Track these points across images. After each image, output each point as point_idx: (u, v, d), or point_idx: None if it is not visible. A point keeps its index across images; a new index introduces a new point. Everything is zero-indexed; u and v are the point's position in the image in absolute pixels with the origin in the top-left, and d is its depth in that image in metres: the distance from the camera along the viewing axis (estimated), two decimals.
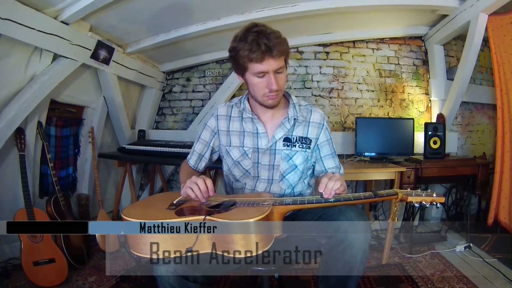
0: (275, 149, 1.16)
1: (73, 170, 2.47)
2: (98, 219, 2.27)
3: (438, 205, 0.91)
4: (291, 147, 1.17)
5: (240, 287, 1.82)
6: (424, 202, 0.90)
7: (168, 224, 0.82)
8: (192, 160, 1.29)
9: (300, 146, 1.17)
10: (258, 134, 1.17)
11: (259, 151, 1.17)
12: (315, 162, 1.25)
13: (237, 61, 1.05)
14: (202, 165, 1.29)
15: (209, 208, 0.94)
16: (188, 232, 0.82)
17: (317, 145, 1.22)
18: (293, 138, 1.17)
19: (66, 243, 1.93)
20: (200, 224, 0.82)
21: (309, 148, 1.19)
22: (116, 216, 2.56)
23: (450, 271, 1.94)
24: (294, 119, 1.17)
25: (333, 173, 1.18)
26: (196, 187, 0.98)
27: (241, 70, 1.07)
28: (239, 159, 1.19)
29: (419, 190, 0.94)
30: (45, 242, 1.79)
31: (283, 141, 1.17)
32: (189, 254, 0.81)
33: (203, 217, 0.83)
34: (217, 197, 1.04)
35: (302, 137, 1.18)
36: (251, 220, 0.80)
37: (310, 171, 1.26)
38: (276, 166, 1.16)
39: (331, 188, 0.93)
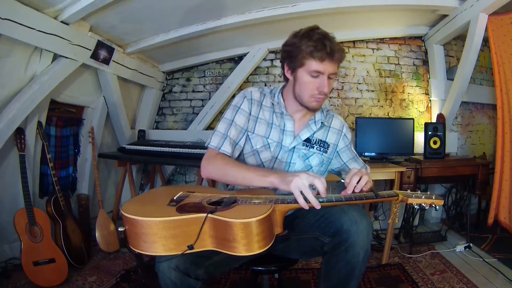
0: (294, 147, 1.16)
1: (73, 170, 2.47)
2: (98, 219, 2.27)
3: (438, 207, 0.91)
4: (310, 148, 1.17)
5: (240, 287, 1.81)
6: (423, 204, 0.91)
7: (169, 221, 0.82)
8: (226, 147, 1.10)
9: (317, 148, 1.18)
10: (285, 131, 1.16)
11: (282, 147, 1.16)
12: (340, 170, 1.25)
13: (294, 55, 1.05)
14: (236, 154, 1.15)
15: (210, 204, 0.94)
16: (189, 229, 0.82)
17: (337, 151, 1.23)
18: (313, 139, 1.18)
19: (66, 243, 1.93)
20: (202, 221, 0.82)
21: (326, 152, 1.19)
22: (116, 216, 2.56)
23: (450, 271, 1.94)
24: (322, 122, 1.18)
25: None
26: (319, 181, 0.88)
27: (295, 64, 1.07)
28: (260, 149, 1.16)
29: (419, 192, 0.94)
30: (45, 242, 1.79)
31: (303, 140, 1.17)
32: (190, 251, 0.81)
33: (204, 214, 0.82)
34: (217, 193, 1.04)
35: (321, 140, 1.19)
36: (254, 219, 0.79)
37: (324, 176, 1.25)
38: (292, 163, 1.16)
39: (354, 184, 0.92)
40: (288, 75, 1.12)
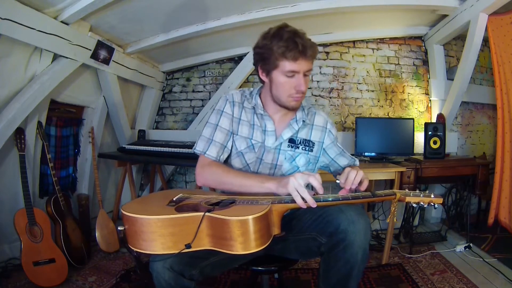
0: (279, 149, 1.16)
1: (73, 170, 2.47)
2: (98, 219, 2.27)
3: (436, 205, 0.91)
4: (295, 148, 1.17)
5: (240, 287, 1.81)
6: (422, 203, 0.91)
7: (168, 219, 0.82)
8: (212, 151, 1.12)
9: (303, 148, 1.17)
10: (266, 132, 1.16)
11: (265, 148, 1.16)
12: (329, 166, 1.25)
13: (267, 58, 1.04)
14: (224, 156, 1.16)
15: (209, 205, 0.94)
16: (188, 227, 0.82)
17: (324, 149, 1.23)
18: (297, 139, 1.18)
19: (66, 243, 1.94)
20: (199, 220, 0.82)
21: (311, 151, 1.19)
22: (116, 216, 2.56)
23: (450, 271, 1.94)
24: (303, 121, 1.17)
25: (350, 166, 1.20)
26: (314, 179, 0.90)
27: (269, 67, 1.06)
28: (244, 150, 1.16)
29: (417, 191, 0.94)
30: (45, 242, 1.79)
31: (288, 142, 1.17)
32: (187, 250, 0.81)
33: (202, 213, 0.83)
34: (216, 195, 1.04)
35: (305, 140, 1.19)
36: (250, 216, 0.79)
37: None
38: (279, 166, 1.16)
39: (352, 178, 0.95)
40: (263, 77, 1.11)
